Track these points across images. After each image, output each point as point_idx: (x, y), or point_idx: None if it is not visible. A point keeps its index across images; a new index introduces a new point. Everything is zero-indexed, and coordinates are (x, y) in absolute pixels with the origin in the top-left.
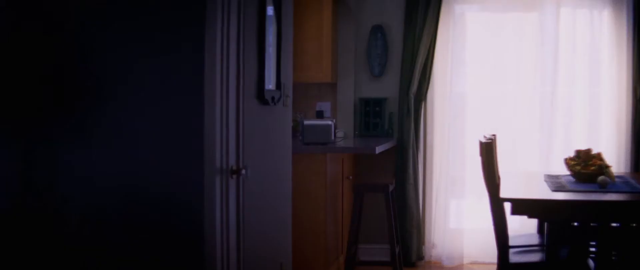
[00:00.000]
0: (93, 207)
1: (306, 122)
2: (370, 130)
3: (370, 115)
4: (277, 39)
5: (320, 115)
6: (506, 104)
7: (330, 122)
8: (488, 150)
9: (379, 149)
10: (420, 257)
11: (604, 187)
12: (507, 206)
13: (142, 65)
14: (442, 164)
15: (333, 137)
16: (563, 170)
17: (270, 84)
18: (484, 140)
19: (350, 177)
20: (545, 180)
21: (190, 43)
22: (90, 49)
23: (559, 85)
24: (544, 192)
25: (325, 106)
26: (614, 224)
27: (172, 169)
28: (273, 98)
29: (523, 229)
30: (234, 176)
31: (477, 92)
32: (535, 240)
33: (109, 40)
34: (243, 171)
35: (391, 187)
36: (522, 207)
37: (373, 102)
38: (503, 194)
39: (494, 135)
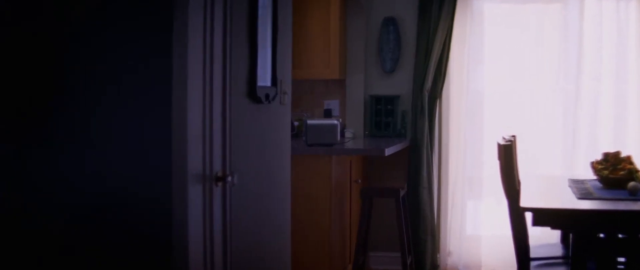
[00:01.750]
0: (55, 213)
1: (310, 122)
2: (382, 130)
3: (381, 113)
4: (272, 31)
5: (328, 114)
6: (526, 101)
7: (335, 122)
8: (507, 153)
9: (389, 151)
10: (435, 266)
11: (634, 194)
12: (528, 215)
13: (106, 59)
14: (458, 166)
15: (339, 138)
16: (588, 174)
17: (264, 81)
18: (502, 142)
19: (359, 181)
20: (570, 186)
21: (157, 34)
22: (52, 44)
23: (583, 81)
24: (569, 200)
25: (333, 104)
26: None
27: (140, 176)
28: (267, 96)
29: (545, 236)
30: (220, 184)
31: (496, 89)
32: (558, 251)
33: (73, 33)
34: (229, 178)
35: (402, 192)
36: (545, 217)
37: (384, 100)
38: (523, 202)
39: (513, 136)
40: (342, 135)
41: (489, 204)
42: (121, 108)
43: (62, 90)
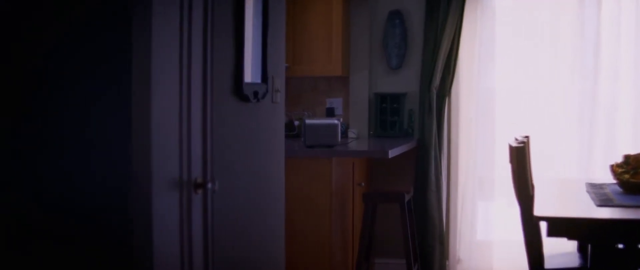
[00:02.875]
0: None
1: (308, 122)
2: (387, 129)
3: (387, 112)
4: (263, 23)
5: (330, 112)
6: (540, 100)
7: (335, 122)
8: (520, 155)
9: (393, 153)
10: None
11: None
12: (542, 224)
13: (67, 53)
14: (468, 168)
15: (339, 139)
16: (607, 177)
17: (252, 77)
18: (515, 144)
19: (362, 184)
20: (588, 191)
21: (114, 28)
22: (9, 40)
23: (600, 80)
24: (586, 208)
25: (336, 103)
26: None
27: (95, 184)
28: (256, 93)
29: (560, 244)
30: (200, 191)
31: (508, 87)
32: (575, 261)
33: (31, 27)
34: (209, 185)
35: (407, 197)
36: (560, 227)
37: (390, 98)
38: (538, 210)
39: (526, 137)
40: (345, 135)
41: (501, 206)
42: (73, 110)
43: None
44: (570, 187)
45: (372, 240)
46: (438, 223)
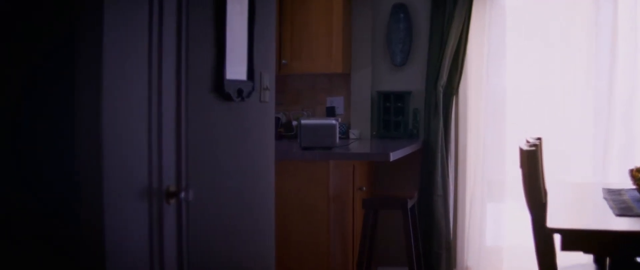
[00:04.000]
0: None
1: (304, 122)
2: (391, 130)
3: (390, 112)
4: (249, 14)
5: (330, 112)
6: (553, 100)
7: (334, 122)
8: (531, 160)
9: (395, 155)
10: None
11: None
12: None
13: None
14: (477, 171)
15: (338, 140)
16: (624, 181)
17: (236, 74)
18: (526, 147)
19: (364, 188)
20: (605, 197)
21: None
22: None
23: (616, 79)
24: (605, 218)
25: (337, 101)
26: None
27: (52, 193)
28: (240, 91)
29: (576, 253)
30: (172, 200)
31: (519, 86)
32: None
33: None
34: (182, 194)
35: (410, 202)
36: (576, 241)
37: (394, 97)
38: (551, 222)
39: (538, 139)
40: (346, 136)
41: (511, 208)
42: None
43: None
44: (585, 193)
45: (374, 248)
46: (445, 229)
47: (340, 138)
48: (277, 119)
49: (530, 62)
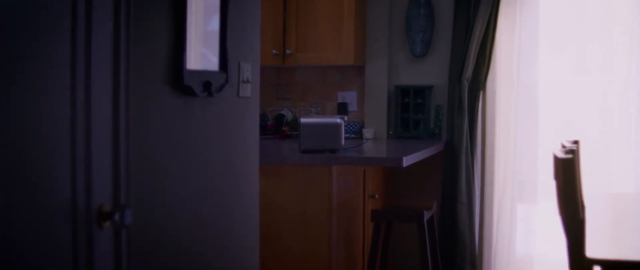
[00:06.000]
0: None
1: (303, 121)
2: (410, 129)
3: (409, 109)
4: None
5: (342, 108)
6: (591, 97)
7: (338, 121)
8: (567, 170)
9: (409, 160)
10: None
11: None
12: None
13: None
14: (506, 176)
15: (343, 142)
16: None
17: (203, 63)
18: (561, 154)
19: (376, 196)
20: None
21: None
22: None
23: None
24: None
25: (349, 97)
26: None
27: None
28: (208, 85)
29: None
30: (108, 223)
31: (554, 81)
32: None
33: None
34: (116, 216)
35: (428, 214)
36: None
37: (414, 92)
38: (591, 250)
39: (575, 142)
40: (360, 135)
41: (544, 210)
42: None
43: None
44: (629, 208)
45: (387, 264)
46: (469, 240)
47: (351, 138)
48: (282, 116)
49: (565, 55)
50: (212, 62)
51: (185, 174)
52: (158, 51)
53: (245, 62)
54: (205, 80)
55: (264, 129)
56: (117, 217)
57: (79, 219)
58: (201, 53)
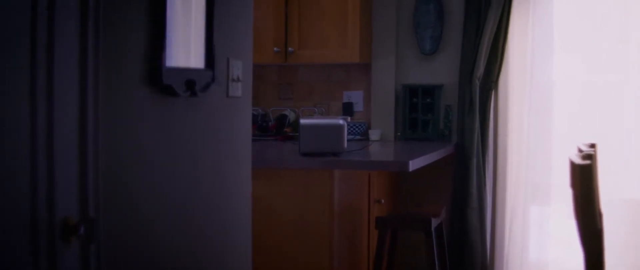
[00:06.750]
0: None
1: (303, 122)
2: (419, 130)
3: (418, 109)
4: None
5: (348, 109)
6: (609, 98)
7: (340, 122)
8: (585, 177)
9: (416, 164)
10: None
11: None
12: None
13: None
14: (519, 176)
15: (345, 144)
16: None
17: (185, 60)
18: (578, 159)
19: (382, 201)
20: None
21: None
22: None
23: None
24: None
25: (355, 96)
26: None
27: None
28: (191, 84)
29: None
30: (74, 238)
31: (570, 80)
32: None
33: None
34: (82, 229)
35: (435, 222)
36: None
37: (422, 91)
38: (610, 266)
39: (593, 146)
40: (366, 137)
41: (558, 213)
42: None
43: None
44: None
45: None
46: (480, 249)
47: (357, 140)
48: (284, 117)
49: (580, 54)
50: (197, 59)
51: (169, 179)
52: (134, 46)
53: (235, 58)
54: (188, 79)
55: (265, 130)
56: (82, 230)
57: (41, 233)
58: (185, 49)
